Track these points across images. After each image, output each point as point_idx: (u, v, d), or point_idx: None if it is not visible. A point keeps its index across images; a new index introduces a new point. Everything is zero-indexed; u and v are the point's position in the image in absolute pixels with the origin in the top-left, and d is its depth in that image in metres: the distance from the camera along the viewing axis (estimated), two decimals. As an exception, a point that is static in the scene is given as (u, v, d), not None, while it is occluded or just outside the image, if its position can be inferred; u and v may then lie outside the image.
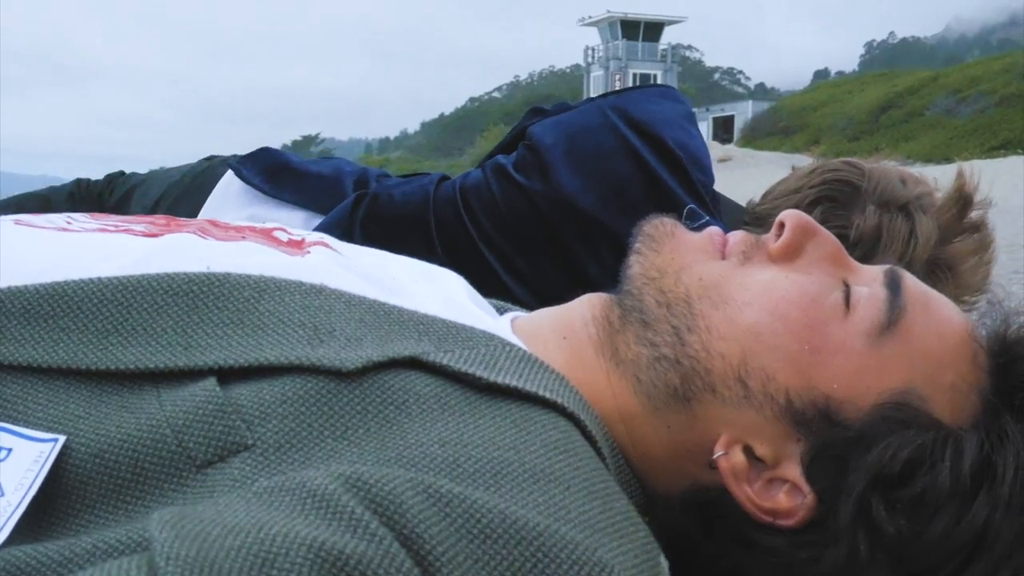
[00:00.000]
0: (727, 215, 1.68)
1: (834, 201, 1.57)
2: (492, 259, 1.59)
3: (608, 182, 1.58)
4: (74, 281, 0.71)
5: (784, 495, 0.76)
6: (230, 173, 1.75)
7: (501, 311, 0.96)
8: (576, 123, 1.63)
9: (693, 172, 1.59)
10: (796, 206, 1.56)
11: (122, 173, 2.04)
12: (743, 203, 1.82)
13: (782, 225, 0.83)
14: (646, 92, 1.69)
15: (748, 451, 0.77)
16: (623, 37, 65.89)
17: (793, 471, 0.76)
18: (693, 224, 1.52)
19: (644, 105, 1.63)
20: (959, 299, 1.51)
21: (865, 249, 1.50)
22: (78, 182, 2.01)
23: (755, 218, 1.67)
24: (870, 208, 1.53)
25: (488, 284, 1.33)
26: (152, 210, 1.79)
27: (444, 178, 1.72)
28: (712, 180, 1.65)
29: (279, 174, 1.73)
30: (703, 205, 1.59)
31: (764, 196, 1.73)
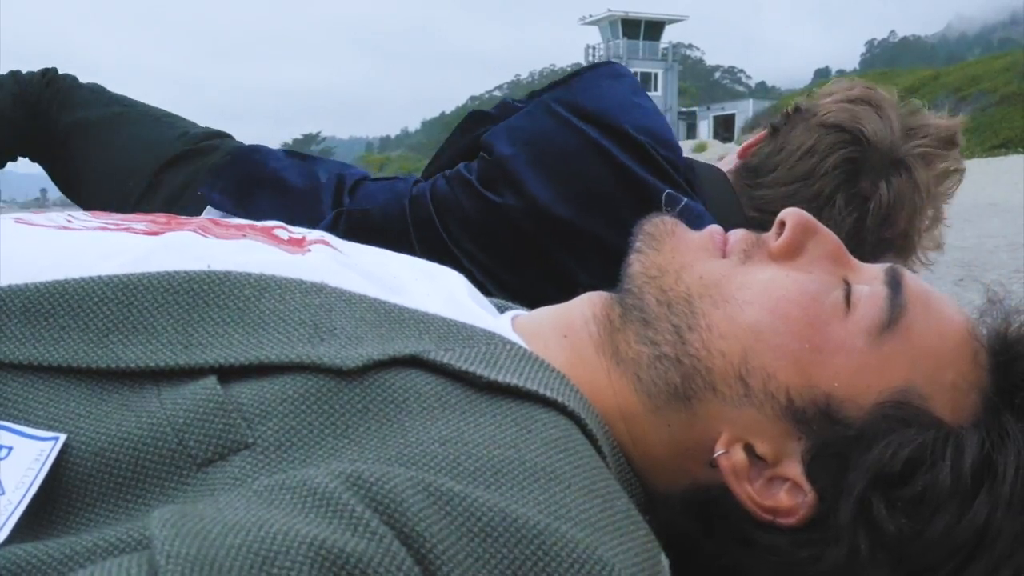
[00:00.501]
0: (705, 179, 1.66)
1: (848, 182, 1.58)
2: (477, 273, 1.57)
3: (579, 185, 1.56)
4: (75, 279, 0.71)
5: (785, 494, 0.76)
6: None
7: (502, 309, 0.96)
8: (531, 128, 1.61)
9: (659, 153, 1.57)
10: (817, 196, 1.59)
11: (55, 72, 1.95)
12: None
13: (783, 224, 0.83)
14: (588, 78, 1.65)
15: (749, 449, 0.77)
16: (624, 36, 65.94)
17: (794, 469, 0.76)
18: (674, 209, 1.52)
19: (592, 93, 1.60)
20: (937, 208, 1.62)
21: (884, 216, 1.56)
22: (15, 76, 1.94)
23: (764, 202, 1.65)
24: (882, 184, 1.56)
25: None
26: (146, 191, 1.74)
27: (417, 181, 1.70)
28: (679, 151, 1.62)
29: (252, 190, 1.68)
30: (677, 186, 1.57)
31: (765, 170, 1.68)
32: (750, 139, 1.75)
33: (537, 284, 1.58)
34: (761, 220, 1.62)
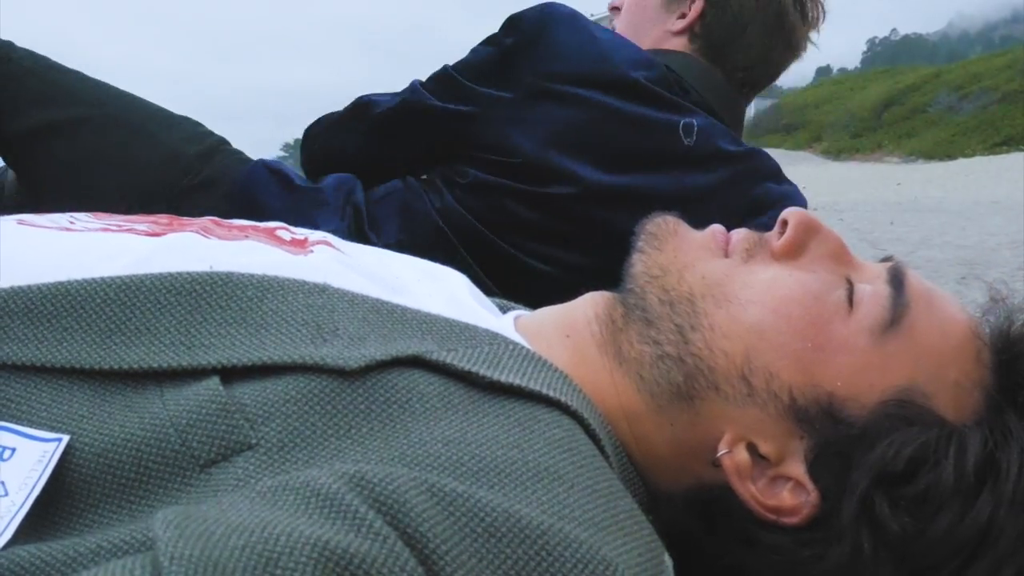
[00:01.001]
0: (683, 69, 1.69)
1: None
2: (549, 268, 1.60)
3: (605, 150, 1.58)
4: (77, 281, 0.71)
5: (788, 493, 0.76)
6: None
7: (504, 309, 0.97)
8: (540, 119, 1.59)
9: (651, 81, 1.60)
10: (790, 30, 1.73)
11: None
12: None
13: (785, 223, 0.83)
14: (552, 39, 1.61)
15: (752, 449, 0.77)
16: (625, 35, 65.86)
17: (797, 469, 0.76)
18: (692, 136, 1.60)
19: (570, 53, 1.59)
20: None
21: (817, 14, 1.75)
22: None
23: (748, 59, 1.74)
24: None
25: (548, 286, 1.40)
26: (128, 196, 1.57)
27: (424, 189, 1.66)
28: (657, 68, 1.64)
29: None
30: (679, 107, 1.62)
31: (737, 32, 1.74)
32: (688, 16, 1.76)
33: (609, 255, 1.59)
34: (748, 77, 1.77)
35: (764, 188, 1.68)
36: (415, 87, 1.70)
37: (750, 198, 1.66)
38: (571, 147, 1.57)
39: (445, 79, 1.68)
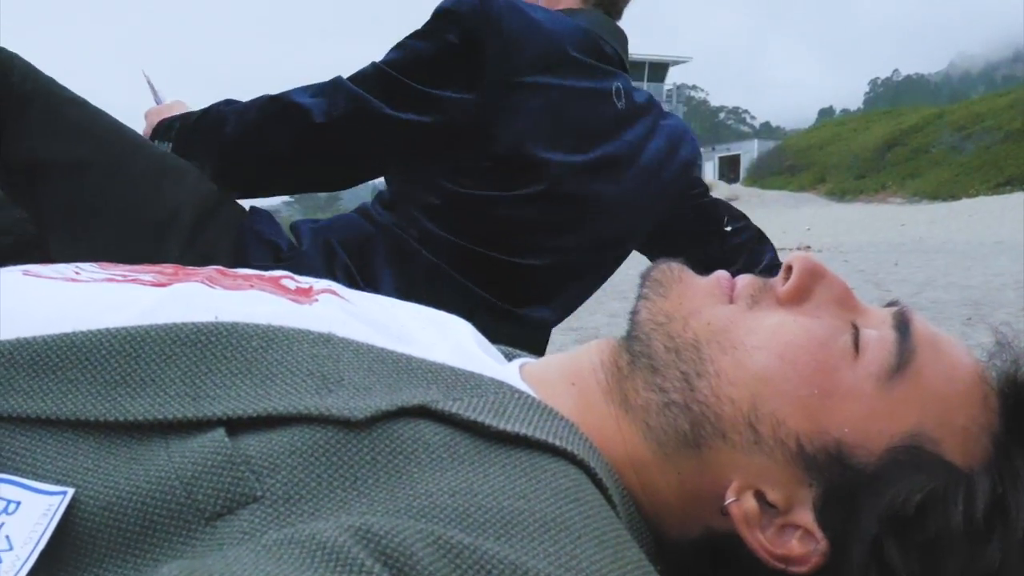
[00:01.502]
0: (597, 25, 1.75)
1: None
2: (544, 262, 1.67)
3: (574, 130, 1.65)
4: (82, 332, 0.71)
5: (797, 542, 0.76)
6: None
7: (510, 357, 0.96)
8: (507, 115, 1.58)
9: (583, 50, 1.67)
10: None
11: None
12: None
13: (790, 268, 0.83)
14: (509, 30, 1.57)
15: (760, 497, 0.77)
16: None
17: (806, 517, 0.76)
18: (622, 102, 1.73)
19: (521, 42, 1.58)
20: None
21: None
22: None
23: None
24: None
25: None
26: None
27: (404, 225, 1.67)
28: (583, 33, 1.70)
29: None
30: (603, 72, 1.70)
31: None
32: None
33: (594, 226, 1.71)
34: (620, 16, 1.86)
35: (664, 126, 1.82)
36: (356, 93, 1.56)
37: (663, 138, 1.80)
38: (545, 136, 1.61)
39: (385, 80, 1.57)
